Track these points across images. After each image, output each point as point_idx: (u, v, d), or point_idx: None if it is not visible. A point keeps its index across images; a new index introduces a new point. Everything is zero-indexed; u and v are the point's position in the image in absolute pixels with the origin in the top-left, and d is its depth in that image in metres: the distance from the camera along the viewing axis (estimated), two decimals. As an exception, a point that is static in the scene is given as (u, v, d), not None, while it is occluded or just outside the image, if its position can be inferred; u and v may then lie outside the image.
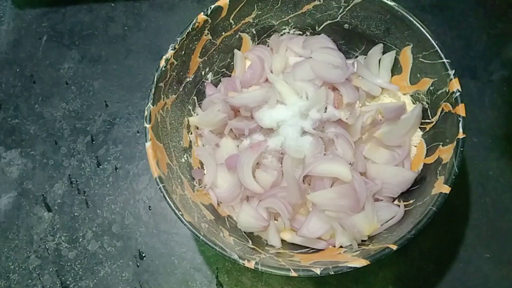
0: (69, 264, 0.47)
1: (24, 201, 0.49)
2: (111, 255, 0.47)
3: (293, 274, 0.34)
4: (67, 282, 0.46)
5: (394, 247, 0.34)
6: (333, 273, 0.34)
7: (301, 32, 0.47)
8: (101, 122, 0.52)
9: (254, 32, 0.46)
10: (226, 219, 0.42)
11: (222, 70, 0.47)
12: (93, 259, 0.47)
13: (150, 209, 0.48)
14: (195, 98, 0.46)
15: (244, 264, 0.34)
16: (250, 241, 0.41)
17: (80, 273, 0.46)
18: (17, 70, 0.55)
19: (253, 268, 0.34)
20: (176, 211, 0.36)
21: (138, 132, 0.52)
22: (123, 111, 0.53)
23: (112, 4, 0.58)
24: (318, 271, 0.34)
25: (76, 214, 0.48)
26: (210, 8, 0.42)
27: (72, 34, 0.57)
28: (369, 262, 0.34)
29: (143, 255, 0.46)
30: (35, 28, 0.57)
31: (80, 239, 0.47)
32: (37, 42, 0.57)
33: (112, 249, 0.47)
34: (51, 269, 0.46)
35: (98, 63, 0.55)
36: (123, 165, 0.50)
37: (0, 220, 0.49)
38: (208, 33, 0.43)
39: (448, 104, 0.39)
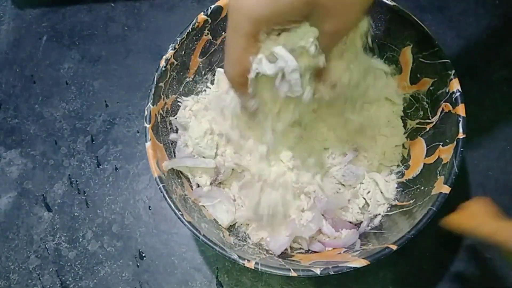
0: (69, 264, 0.47)
1: (24, 201, 0.49)
2: (111, 255, 0.47)
3: (293, 274, 0.34)
4: (67, 282, 0.46)
5: (394, 247, 0.34)
6: (333, 273, 0.34)
7: None
8: (101, 122, 0.52)
9: None
10: None
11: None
12: (93, 259, 0.47)
13: (150, 209, 0.48)
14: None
15: (244, 264, 0.34)
16: (250, 241, 0.41)
17: (80, 273, 0.46)
18: (17, 70, 0.55)
19: (253, 268, 0.34)
20: (176, 211, 0.36)
21: (138, 132, 0.52)
22: (123, 111, 0.53)
23: (112, 4, 0.58)
24: (318, 271, 0.34)
25: (76, 214, 0.48)
26: (210, 8, 0.42)
27: (72, 34, 0.57)
28: (369, 262, 0.34)
29: (143, 255, 0.46)
30: (35, 28, 0.57)
31: (80, 239, 0.47)
32: (37, 42, 0.57)
33: (112, 249, 0.47)
34: (51, 269, 0.46)
35: (98, 63, 0.55)
36: (123, 165, 0.50)
37: (0, 220, 0.49)
38: (208, 33, 0.43)
39: (448, 104, 0.39)
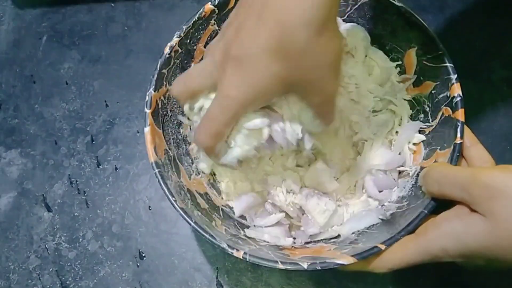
0: (69, 264, 0.47)
1: (24, 201, 0.49)
2: (111, 255, 0.47)
3: (280, 266, 0.34)
4: (67, 282, 0.46)
5: (383, 247, 0.34)
6: (320, 268, 0.34)
7: None
8: (101, 122, 0.52)
9: None
10: (220, 208, 0.43)
11: None
12: (93, 259, 0.47)
13: (150, 209, 0.48)
14: None
15: (232, 253, 0.35)
16: (242, 231, 0.41)
17: (80, 273, 0.46)
18: (17, 70, 0.55)
19: (241, 258, 0.34)
20: (170, 196, 0.36)
21: (138, 132, 0.52)
22: (123, 111, 0.53)
23: (112, 4, 0.58)
24: (305, 265, 0.34)
25: (76, 214, 0.48)
26: None
27: (72, 34, 0.57)
28: (356, 260, 0.34)
29: (143, 255, 0.47)
30: (35, 28, 0.57)
31: (80, 239, 0.47)
32: (37, 42, 0.57)
33: (112, 249, 0.47)
34: (51, 269, 0.46)
35: (98, 63, 0.55)
36: (123, 165, 0.50)
37: (0, 220, 0.49)
38: (214, 23, 0.43)
39: (448, 108, 0.39)
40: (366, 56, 0.45)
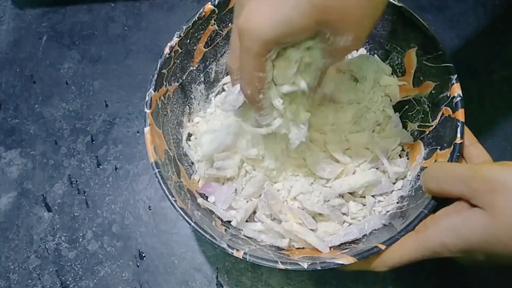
0: (69, 264, 0.47)
1: (24, 201, 0.49)
2: (111, 255, 0.47)
3: (280, 266, 0.34)
4: (67, 282, 0.46)
5: (383, 247, 0.34)
6: (320, 268, 0.34)
7: None
8: (101, 122, 0.52)
9: None
10: None
11: None
12: (93, 259, 0.47)
13: (150, 209, 0.48)
14: (198, 87, 0.46)
15: (232, 253, 0.35)
16: (242, 231, 0.41)
17: (80, 273, 0.46)
18: (17, 70, 0.55)
19: (241, 258, 0.34)
20: (170, 196, 0.36)
21: (138, 132, 0.52)
22: (123, 111, 0.53)
23: (112, 4, 0.58)
24: (305, 265, 0.34)
25: (76, 214, 0.48)
26: None
27: (72, 34, 0.57)
28: (356, 260, 0.34)
29: (143, 255, 0.47)
30: (35, 28, 0.57)
31: (80, 239, 0.47)
32: (37, 42, 0.57)
33: (112, 249, 0.47)
34: (51, 269, 0.46)
35: (98, 63, 0.55)
36: (123, 165, 0.50)
37: (0, 220, 0.49)
38: (214, 23, 0.43)
39: (448, 108, 0.39)
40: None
